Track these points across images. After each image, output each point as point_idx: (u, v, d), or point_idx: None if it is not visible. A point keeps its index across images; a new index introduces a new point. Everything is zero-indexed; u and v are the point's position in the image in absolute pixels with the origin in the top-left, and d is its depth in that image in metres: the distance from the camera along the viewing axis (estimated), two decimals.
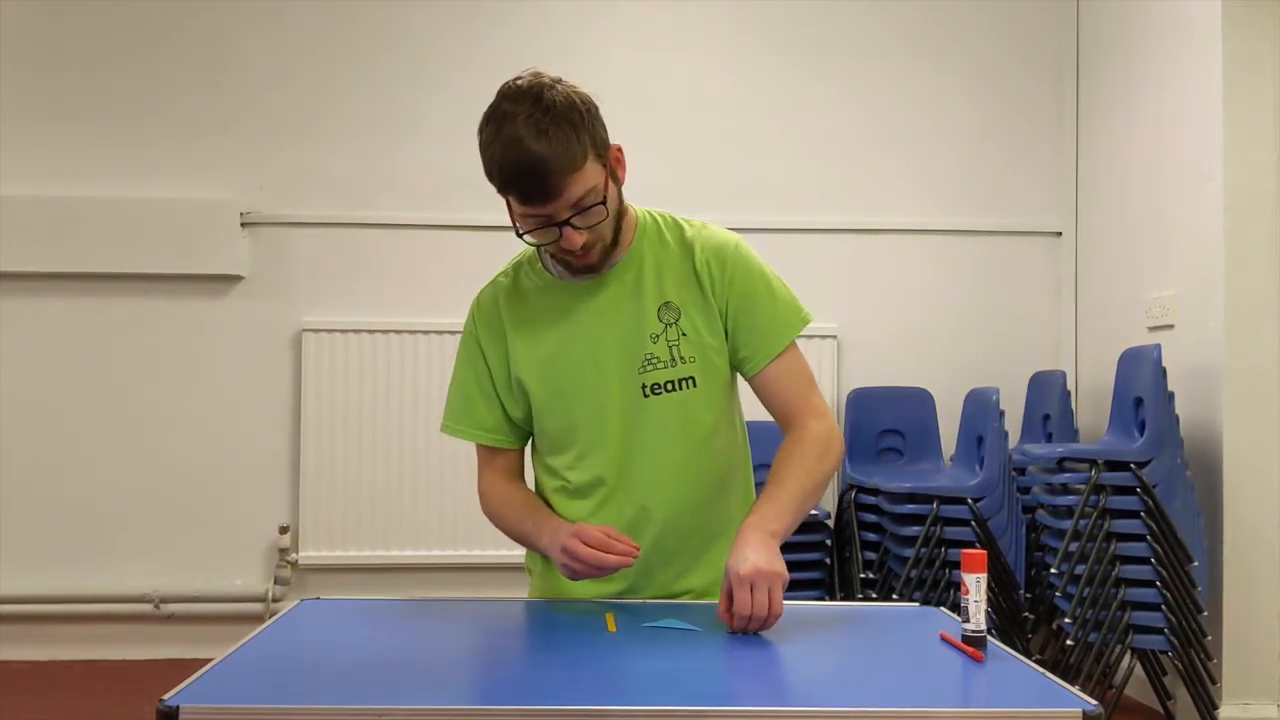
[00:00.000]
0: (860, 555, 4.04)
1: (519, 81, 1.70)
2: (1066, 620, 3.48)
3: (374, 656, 1.46)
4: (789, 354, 1.88)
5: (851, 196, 4.61)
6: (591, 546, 1.71)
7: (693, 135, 4.51)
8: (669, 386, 1.83)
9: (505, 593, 3.90)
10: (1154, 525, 3.39)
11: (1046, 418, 4.18)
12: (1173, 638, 3.43)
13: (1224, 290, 3.60)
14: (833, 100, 4.62)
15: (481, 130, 1.70)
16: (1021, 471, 3.94)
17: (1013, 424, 4.10)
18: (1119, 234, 4.28)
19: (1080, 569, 3.46)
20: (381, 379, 4.39)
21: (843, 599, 4.02)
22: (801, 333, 1.90)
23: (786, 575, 1.63)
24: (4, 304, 4.37)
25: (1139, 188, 4.14)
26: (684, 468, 1.86)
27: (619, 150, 1.79)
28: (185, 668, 1.34)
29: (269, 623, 1.64)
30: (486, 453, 1.96)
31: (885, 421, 4.45)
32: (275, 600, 4.35)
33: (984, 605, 1.50)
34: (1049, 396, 4.19)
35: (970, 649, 1.48)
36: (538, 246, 1.84)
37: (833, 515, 4.22)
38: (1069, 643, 3.49)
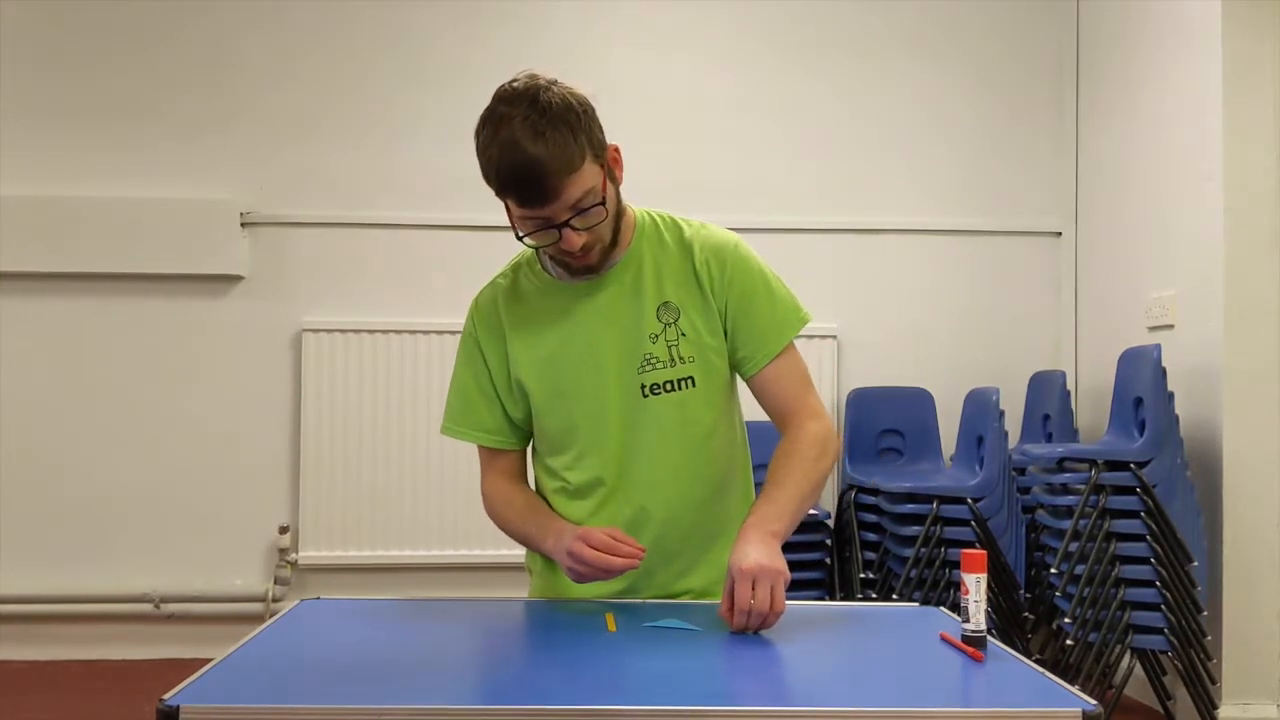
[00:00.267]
0: (860, 555, 4.04)
1: (515, 84, 1.70)
2: (1066, 620, 3.48)
3: (374, 656, 1.46)
4: (787, 354, 1.88)
5: (851, 196, 4.61)
6: (597, 549, 1.71)
7: (693, 135, 4.51)
8: (668, 386, 1.83)
9: (505, 593, 3.91)
10: (1154, 525, 3.39)
11: (1046, 418, 4.18)
12: (1172, 638, 3.43)
13: (1224, 290, 3.60)
14: (833, 100, 4.62)
15: (478, 133, 1.70)
16: (1021, 471, 3.94)
17: (1013, 424, 4.10)
18: (1119, 234, 4.28)
19: (1080, 569, 3.47)
20: (381, 379, 4.40)
21: (843, 599, 4.02)
22: (801, 332, 1.89)
23: (788, 574, 1.63)
24: (4, 304, 4.37)
25: (1139, 188, 4.14)
26: (683, 468, 1.86)
27: (616, 150, 1.79)
28: (185, 668, 1.34)
29: (269, 623, 1.64)
30: (488, 454, 1.97)
31: (885, 421, 4.45)
32: (275, 600, 4.35)
33: (984, 605, 1.50)
34: (1049, 396, 4.19)
35: (970, 649, 1.48)
36: (537, 249, 1.83)
37: (833, 515, 4.22)
38: (1069, 642, 3.49)
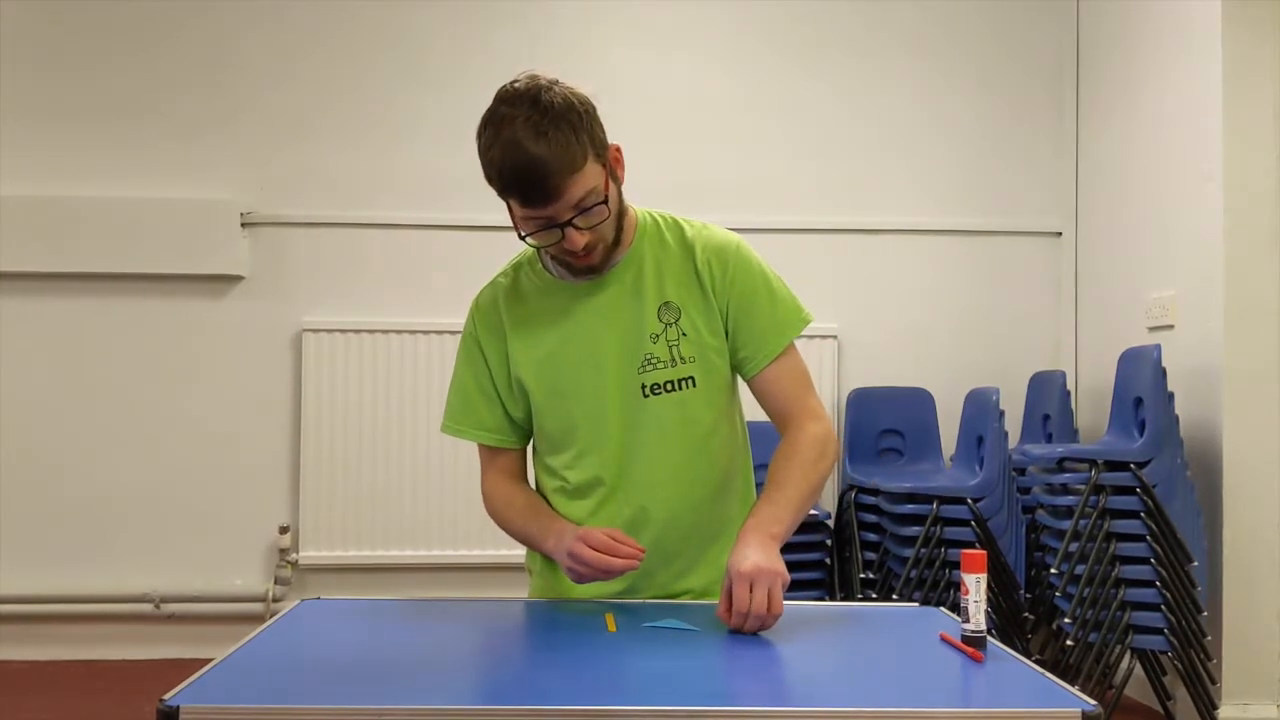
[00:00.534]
0: (860, 555, 4.04)
1: (516, 84, 1.70)
2: (1066, 620, 3.48)
3: (374, 656, 1.46)
4: (788, 355, 1.88)
5: (851, 196, 4.61)
6: (597, 550, 1.71)
7: (693, 135, 4.51)
8: (668, 386, 1.83)
9: (505, 593, 3.91)
10: (1154, 525, 3.39)
11: (1046, 418, 4.18)
12: (1172, 638, 3.43)
13: (1224, 290, 3.60)
14: (833, 100, 4.62)
15: (480, 134, 1.70)
16: (1021, 471, 3.94)
17: (1013, 424, 4.10)
18: (1119, 234, 4.28)
19: (1080, 569, 3.47)
20: (381, 379, 4.40)
21: (843, 599, 4.02)
22: (802, 333, 1.90)
23: (788, 576, 1.64)
24: (4, 304, 4.37)
25: (1139, 188, 4.14)
26: (683, 468, 1.86)
27: (618, 150, 1.79)
28: (185, 668, 1.34)
29: (269, 623, 1.64)
30: (488, 453, 1.96)
31: (885, 421, 4.45)
32: (275, 600, 4.35)
33: (984, 605, 1.50)
34: (1049, 396, 4.19)
35: (970, 649, 1.48)
36: (540, 249, 1.84)
37: (833, 515, 4.22)
38: (1069, 643, 3.49)
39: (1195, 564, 3.41)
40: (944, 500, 3.77)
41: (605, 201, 1.72)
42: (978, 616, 1.49)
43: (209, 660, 1.39)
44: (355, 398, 4.39)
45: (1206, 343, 3.65)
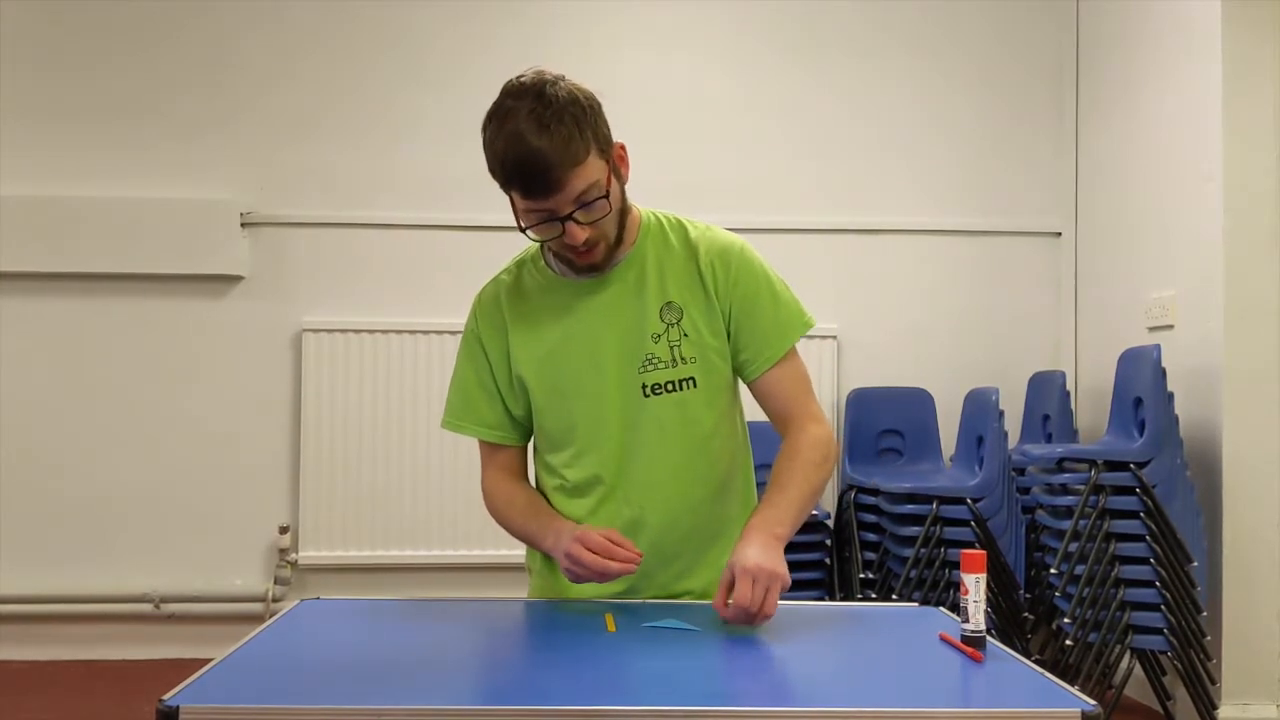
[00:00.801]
0: (860, 555, 4.04)
1: (522, 79, 1.71)
2: (1066, 620, 3.48)
3: (373, 657, 1.46)
4: (789, 359, 1.88)
5: (851, 196, 4.61)
6: (595, 552, 1.71)
7: (693, 135, 4.51)
8: (669, 387, 1.83)
9: (505, 593, 3.91)
10: (1153, 525, 3.39)
11: (1046, 418, 4.18)
12: (1172, 638, 3.43)
13: (1224, 290, 3.60)
14: (833, 100, 4.62)
15: (485, 128, 1.71)
16: (1021, 472, 3.94)
17: (1012, 424, 4.10)
18: (1119, 234, 4.28)
19: (1080, 569, 3.47)
20: (381, 379, 4.40)
21: (842, 599, 4.02)
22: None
23: (788, 579, 1.64)
24: (4, 304, 4.37)
25: (1139, 188, 4.14)
26: (683, 468, 1.86)
27: (622, 148, 1.80)
28: (185, 668, 1.34)
29: (269, 623, 1.64)
30: (489, 450, 1.96)
31: (885, 421, 4.45)
32: (275, 600, 4.35)
33: (983, 605, 1.50)
34: (1049, 397, 4.19)
35: (969, 649, 1.48)
36: (541, 243, 1.84)
37: (832, 515, 4.22)
38: (1068, 643, 3.49)
39: (1195, 564, 3.41)
40: (944, 500, 3.77)
41: (607, 196, 1.72)
42: (977, 616, 1.49)
43: (209, 660, 1.39)
44: (355, 398, 4.39)
45: (1206, 343, 3.65)
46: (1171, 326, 3.85)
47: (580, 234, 1.72)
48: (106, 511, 4.37)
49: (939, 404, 4.44)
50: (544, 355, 1.87)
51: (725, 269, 1.85)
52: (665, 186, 3.32)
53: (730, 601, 1.62)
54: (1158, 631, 3.44)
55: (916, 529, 3.79)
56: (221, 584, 4.39)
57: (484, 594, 4.21)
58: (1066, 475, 3.62)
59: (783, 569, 1.64)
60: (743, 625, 1.61)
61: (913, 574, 3.77)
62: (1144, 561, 3.42)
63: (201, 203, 4.38)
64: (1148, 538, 3.40)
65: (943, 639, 1.56)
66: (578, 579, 1.76)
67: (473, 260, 4.33)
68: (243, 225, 4.41)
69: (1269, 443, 3.57)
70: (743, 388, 1.95)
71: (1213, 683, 3.49)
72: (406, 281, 4.46)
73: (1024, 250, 4.65)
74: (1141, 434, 3.51)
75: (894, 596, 3.81)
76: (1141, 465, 3.41)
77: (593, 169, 1.70)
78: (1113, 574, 3.46)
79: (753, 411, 1.96)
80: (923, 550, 3.77)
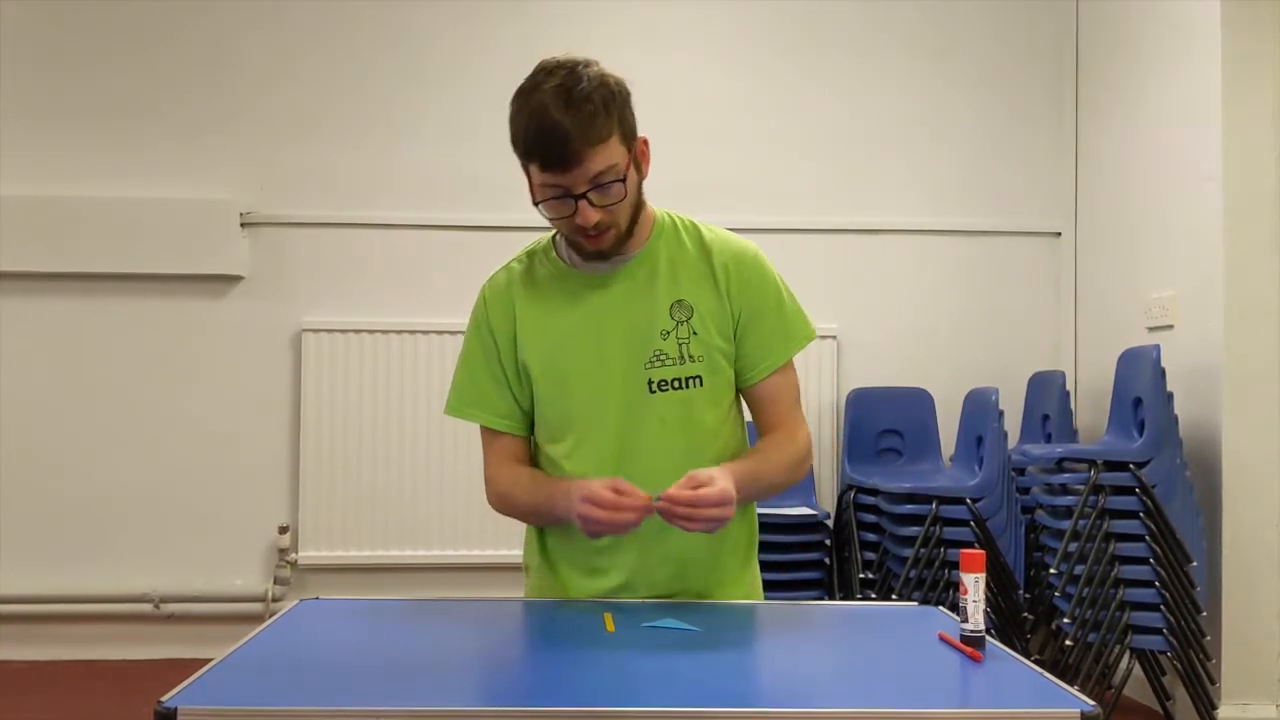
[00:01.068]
0: (860, 555, 4.04)
1: (555, 58, 1.74)
2: (1065, 620, 3.48)
3: (372, 658, 1.46)
4: (787, 369, 1.91)
5: (851, 196, 4.62)
6: (604, 507, 1.69)
7: (692, 135, 4.51)
8: (675, 384, 1.84)
9: (505, 593, 3.91)
10: (1153, 525, 3.39)
11: (1046, 418, 4.18)
12: (1172, 638, 3.43)
13: (1224, 290, 3.60)
14: (833, 100, 4.62)
15: (513, 102, 1.74)
16: (1021, 472, 3.94)
17: (1012, 424, 4.10)
18: (1119, 234, 4.28)
19: (1079, 569, 3.47)
20: (381, 379, 4.40)
21: (842, 599, 4.02)
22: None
23: (725, 521, 1.68)
24: (4, 304, 4.37)
25: (1139, 188, 4.14)
26: (682, 466, 1.85)
27: (645, 143, 1.82)
28: (185, 668, 1.34)
29: (267, 623, 1.64)
30: (492, 439, 1.94)
31: (884, 421, 4.45)
32: (275, 600, 4.35)
33: (982, 605, 1.50)
34: (1048, 397, 4.19)
35: (969, 649, 1.48)
36: (553, 232, 1.83)
37: (832, 515, 4.22)
38: (1068, 643, 3.49)
39: (1194, 564, 3.41)
40: (943, 500, 3.77)
41: (623, 181, 1.74)
42: (976, 616, 1.49)
43: (209, 660, 1.39)
44: (355, 398, 4.39)
45: (1206, 343, 3.65)
46: (1171, 326, 3.85)
47: (592, 215, 1.73)
48: (106, 511, 4.37)
49: (939, 404, 4.44)
50: (550, 343, 1.87)
51: (739, 272, 1.87)
52: (665, 186, 3.31)
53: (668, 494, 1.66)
54: (1157, 631, 3.44)
55: (916, 529, 3.79)
56: (221, 584, 4.39)
57: (484, 594, 4.21)
58: (1066, 475, 3.62)
59: (731, 513, 1.68)
60: (675, 516, 1.65)
61: (912, 574, 3.77)
62: (1143, 561, 3.42)
63: (201, 203, 4.38)
64: (1147, 538, 3.40)
65: (942, 639, 1.56)
66: (596, 536, 1.74)
67: (472, 260, 4.33)
68: (242, 225, 4.42)
69: (1269, 443, 3.57)
70: None
71: (1212, 683, 3.49)
72: (406, 281, 4.46)
73: (1024, 250, 4.65)
74: (1141, 434, 3.51)
75: (894, 596, 3.81)
76: (1141, 465, 3.41)
77: (613, 152, 1.72)
78: (1112, 574, 3.46)
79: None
80: (922, 550, 3.77)
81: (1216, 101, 3.63)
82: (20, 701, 3.85)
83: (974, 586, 1.49)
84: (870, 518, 4.06)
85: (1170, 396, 3.51)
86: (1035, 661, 1.70)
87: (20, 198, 4.31)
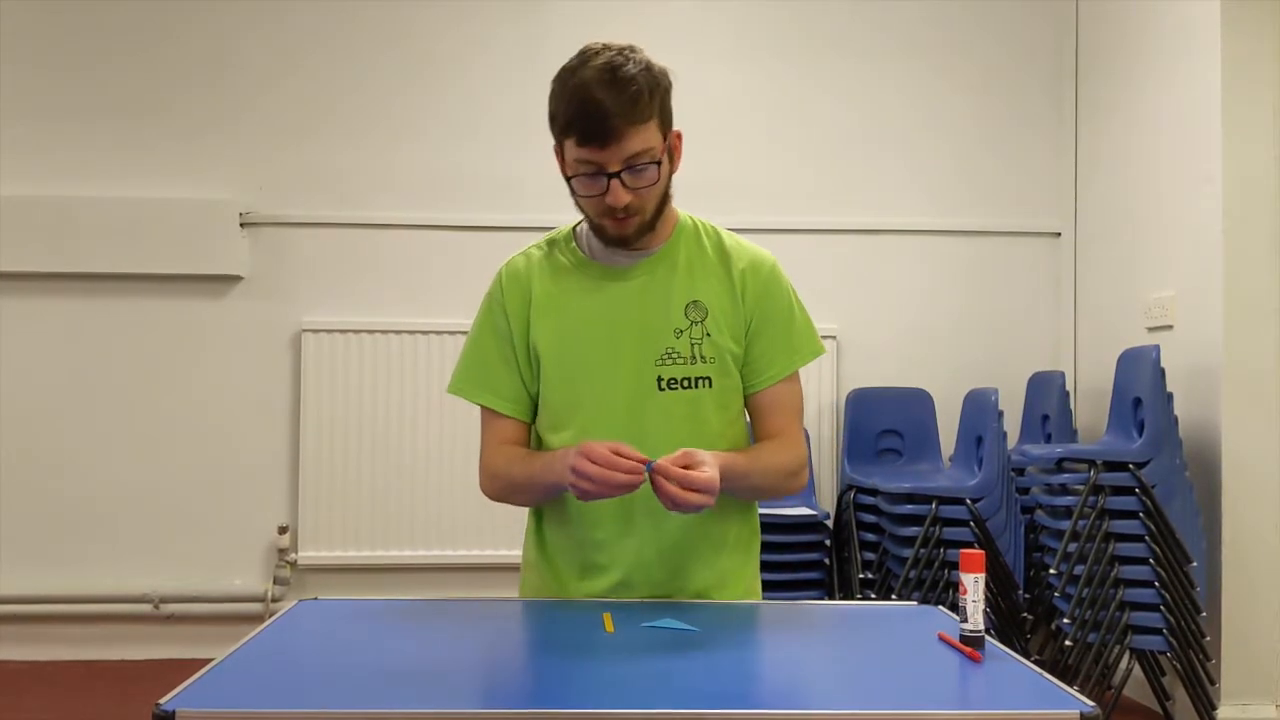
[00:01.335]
0: (859, 555, 4.04)
1: (601, 42, 1.78)
2: (1065, 621, 3.49)
3: (370, 659, 1.46)
4: (791, 380, 1.92)
5: (851, 196, 4.62)
6: (599, 464, 1.67)
7: (692, 135, 4.46)
8: (684, 383, 1.84)
9: (504, 593, 3.91)
10: (1153, 526, 3.39)
11: (1045, 418, 4.18)
12: (1171, 638, 3.43)
13: (1223, 291, 3.60)
14: (833, 100, 4.62)
15: (554, 81, 1.77)
16: (1020, 472, 3.94)
17: (1012, 424, 4.10)
18: (1118, 234, 4.28)
19: (1079, 569, 3.47)
20: (381, 379, 4.40)
21: (842, 599, 4.02)
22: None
23: (705, 506, 1.68)
24: (4, 304, 4.37)
25: (1138, 188, 4.14)
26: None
27: (679, 136, 1.84)
28: (184, 668, 1.34)
29: (266, 624, 1.64)
30: (494, 421, 1.92)
31: (884, 422, 4.45)
32: (274, 600, 4.35)
33: (982, 605, 1.50)
34: (1048, 397, 4.19)
35: (968, 649, 1.48)
36: (580, 201, 1.82)
37: (832, 515, 4.22)
38: (1068, 643, 3.49)
39: (1194, 564, 3.41)
40: (943, 500, 3.77)
41: (658, 163, 1.76)
42: (976, 616, 1.49)
43: (208, 660, 1.39)
44: (355, 398, 4.39)
45: (1205, 343, 3.65)
46: (1171, 327, 3.85)
47: (623, 196, 1.74)
48: (106, 511, 4.37)
49: (938, 404, 4.44)
50: (563, 329, 1.87)
51: (756, 279, 1.88)
52: None
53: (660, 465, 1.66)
54: (1157, 632, 3.44)
55: (916, 529, 3.79)
56: (221, 584, 4.39)
57: (482, 594, 4.21)
58: (1066, 475, 3.62)
59: (711, 502, 1.68)
60: (655, 486, 1.66)
61: (912, 574, 3.77)
62: (1143, 562, 3.42)
63: (201, 203, 4.38)
64: (1147, 538, 3.40)
65: (941, 639, 1.56)
66: (585, 495, 1.71)
67: (472, 260, 4.36)
68: (242, 225, 4.42)
69: (1269, 443, 3.57)
70: None
71: (1212, 683, 3.49)
72: (406, 281, 4.46)
73: (1023, 250, 4.65)
74: (1141, 434, 3.51)
75: (893, 596, 3.81)
76: (1141, 465, 3.41)
77: (650, 136, 1.74)
78: (1112, 574, 3.46)
79: None
80: (922, 550, 3.77)
81: (1216, 101, 3.63)
82: (20, 701, 3.85)
83: (973, 586, 1.49)
84: (870, 518, 4.06)
85: (1170, 397, 3.51)
86: (1035, 662, 1.70)
87: (20, 198, 4.31)
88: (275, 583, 4.38)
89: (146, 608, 4.35)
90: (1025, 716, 1.27)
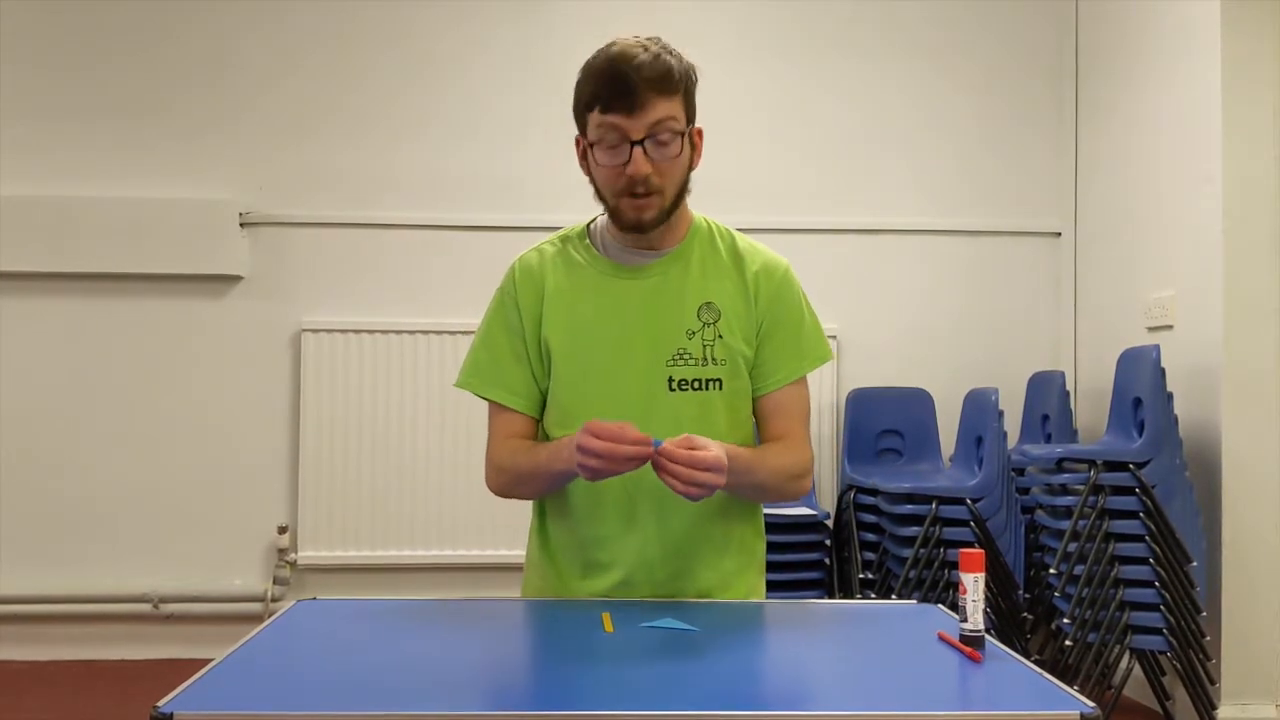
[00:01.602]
0: (859, 555, 4.04)
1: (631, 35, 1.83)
2: (1065, 620, 3.48)
3: (368, 661, 1.46)
4: (799, 385, 1.91)
5: (851, 196, 4.62)
6: (605, 439, 1.66)
7: None
8: (695, 384, 1.84)
9: (504, 593, 3.91)
10: (1153, 525, 3.39)
11: (1045, 418, 4.18)
12: (1171, 638, 3.43)
13: (1223, 291, 3.60)
14: (833, 100, 4.62)
15: (581, 70, 1.82)
16: (1020, 472, 3.94)
17: (1012, 424, 4.10)
18: (1118, 234, 4.28)
19: (1079, 569, 3.47)
20: (381, 379, 4.39)
21: (842, 599, 4.02)
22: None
23: (709, 492, 1.67)
24: (4, 304, 4.37)
25: (1138, 188, 4.14)
26: None
27: (700, 133, 1.86)
28: (184, 668, 1.34)
29: (264, 625, 1.63)
30: (500, 416, 1.91)
31: (884, 422, 4.45)
32: (274, 600, 4.35)
33: (982, 605, 1.50)
34: (1048, 397, 4.19)
35: (968, 649, 1.48)
36: (600, 176, 1.81)
37: (832, 515, 4.22)
38: (1068, 643, 3.49)
39: (1194, 564, 3.41)
40: (943, 500, 3.77)
41: (682, 137, 1.78)
42: (976, 616, 1.49)
43: (208, 660, 1.38)
44: (354, 398, 4.39)
45: (1205, 343, 3.65)
46: (1171, 327, 3.85)
47: (644, 166, 1.75)
48: (106, 511, 4.37)
49: (938, 404, 4.44)
50: (575, 325, 1.86)
51: (770, 282, 1.88)
52: None
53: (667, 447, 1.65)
54: (1157, 631, 3.44)
55: (916, 529, 3.79)
56: (221, 584, 4.39)
57: (483, 594, 4.21)
58: (1066, 475, 3.62)
59: (721, 481, 1.67)
60: (659, 470, 1.65)
61: (912, 574, 3.77)
62: (1143, 561, 3.42)
63: (201, 203, 4.38)
64: (1147, 538, 3.40)
65: (941, 638, 1.56)
66: (593, 473, 1.69)
67: (472, 260, 4.38)
68: (242, 225, 4.42)
69: (1269, 443, 3.57)
70: None
71: (1212, 683, 3.49)
72: (406, 281, 4.46)
73: (1023, 250, 4.65)
74: (1141, 434, 3.51)
75: (893, 596, 3.80)
76: (1141, 465, 3.41)
77: (675, 109, 1.78)
78: (1112, 574, 3.46)
79: None
80: (922, 550, 3.77)
81: (1216, 101, 3.63)
82: (20, 701, 3.85)
83: (973, 586, 1.49)
84: (870, 518, 4.06)
85: (1170, 396, 3.51)
86: (1035, 662, 1.70)
87: (20, 198, 4.31)
88: (275, 583, 4.38)
89: (146, 608, 4.35)
90: (1025, 717, 1.27)
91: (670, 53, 1.81)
